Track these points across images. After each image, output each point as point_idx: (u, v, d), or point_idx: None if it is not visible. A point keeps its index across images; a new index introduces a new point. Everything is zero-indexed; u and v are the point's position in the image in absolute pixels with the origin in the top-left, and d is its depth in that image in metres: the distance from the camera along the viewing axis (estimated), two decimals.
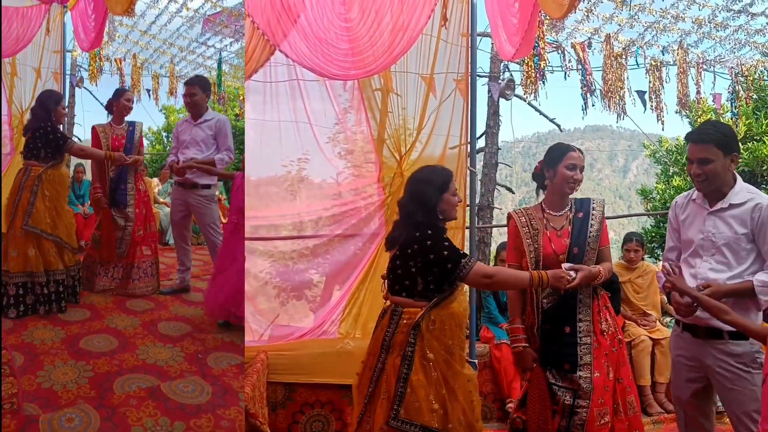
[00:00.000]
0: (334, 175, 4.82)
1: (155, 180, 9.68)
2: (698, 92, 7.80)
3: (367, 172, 4.75)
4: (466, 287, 3.12)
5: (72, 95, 10.14)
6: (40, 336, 4.12)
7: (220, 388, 3.56)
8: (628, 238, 5.47)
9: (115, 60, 9.56)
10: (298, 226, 4.80)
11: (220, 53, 9.45)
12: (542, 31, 6.36)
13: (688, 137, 2.91)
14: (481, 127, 9.58)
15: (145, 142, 15.20)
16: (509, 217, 3.34)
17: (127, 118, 5.37)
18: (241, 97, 11.78)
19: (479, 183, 9.14)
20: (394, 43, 4.19)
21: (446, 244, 2.80)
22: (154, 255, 5.41)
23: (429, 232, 2.80)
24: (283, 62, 4.40)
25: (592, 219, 3.15)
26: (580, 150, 3.20)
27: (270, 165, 4.80)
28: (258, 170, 4.87)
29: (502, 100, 8.43)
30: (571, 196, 3.24)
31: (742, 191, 2.81)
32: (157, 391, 3.44)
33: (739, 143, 2.99)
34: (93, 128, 5.28)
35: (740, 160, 7.88)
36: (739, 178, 2.87)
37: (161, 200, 9.03)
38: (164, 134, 14.82)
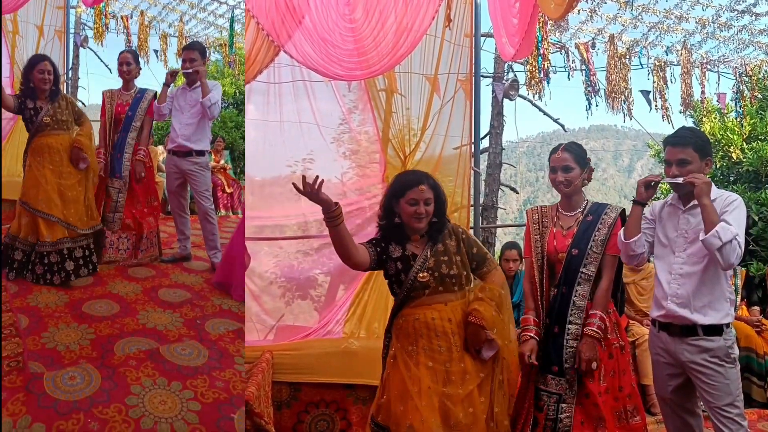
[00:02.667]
0: (338, 174, 4.84)
1: (160, 148, 9.32)
2: (702, 92, 7.80)
3: (372, 172, 4.76)
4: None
5: (76, 56, 9.62)
6: (44, 300, 4.18)
7: (216, 351, 3.65)
8: None
9: (122, 17, 9.12)
10: (303, 226, 4.81)
11: (233, 11, 8.90)
12: (546, 32, 6.37)
13: (667, 141, 3.04)
14: (485, 127, 9.57)
15: None
16: (527, 213, 3.42)
17: (142, 85, 5.23)
18: None
19: (483, 183, 9.14)
20: (398, 43, 4.21)
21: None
22: (157, 224, 5.34)
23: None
24: (287, 63, 4.42)
25: (601, 224, 3.13)
26: (569, 147, 3.20)
27: (274, 165, 4.82)
28: (262, 170, 4.89)
29: (506, 101, 8.44)
30: (590, 199, 3.27)
31: (713, 191, 2.92)
32: (156, 353, 3.54)
33: (711, 149, 3.09)
34: (103, 93, 5.17)
35: (745, 160, 7.87)
36: (712, 182, 3.01)
37: (165, 168, 8.84)
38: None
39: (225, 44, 9.68)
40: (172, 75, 5.16)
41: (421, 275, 2.80)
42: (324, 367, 4.11)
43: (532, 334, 3.11)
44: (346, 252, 2.75)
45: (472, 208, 4.67)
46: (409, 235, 2.90)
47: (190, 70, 5.01)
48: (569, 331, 3.02)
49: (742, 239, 2.80)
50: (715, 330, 2.87)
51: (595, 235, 3.10)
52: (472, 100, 4.58)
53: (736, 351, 2.92)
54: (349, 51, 4.19)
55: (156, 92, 5.20)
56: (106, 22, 8.86)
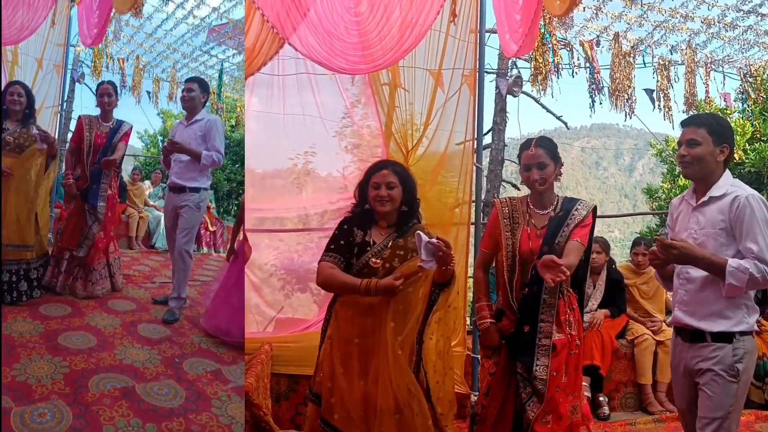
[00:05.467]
0: (340, 168, 4.84)
1: (147, 183, 9.69)
2: (707, 92, 7.79)
3: None
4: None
5: (72, 90, 10.14)
6: (18, 329, 4.09)
7: (193, 393, 3.56)
8: (637, 241, 5.40)
9: (119, 59, 9.59)
10: (304, 219, 4.82)
11: (222, 64, 9.51)
12: (553, 28, 6.36)
13: (683, 122, 2.85)
14: (488, 123, 9.58)
15: (140, 145, 14.90)
16: (493, 204, 3.27)
17: (121, 117, 5.22)
18: (239, 109, 11.73)
19: (485, 179, 9.14)
20: (403, 38, 4.20)
21: (334, 232, 2.93)
22: (110, 256, 5.27)
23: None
24: (291, 56, 4.42)
25: (570, 219, 3.01)
26: (542, 143, 3.05)
27: (276, 158, 4.83)
28: (264, 163, 4.90)
29: (509, 97, 8.43)
30: (559, 194, 3.14)
31: (726, 185, 2.71)
32: (132, 391, 3.45)
33: (734, 139, 2.87)
34: (79, 117, 5.13)
35: (747, 161, 7.86)
36: (727, 174, 2.77)
37: (151, 203, 9.07)
38: (160, 138, 14.70)
39: (214, 92, 10.11)
40: (172, 144, 4.74)
41: (373, 261, 2.82)
42: None
43: (490, 320, 3.09)
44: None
45: (474, 204, 4.67)
46: (377, 221, 2.93)
47: (187, 100, 4.82)
48: (541, 329, 2.94)
49: (764, 245, 2.55)
50: (725, 337, 2.63)
51: (563, 231, 2.99)
52: (476, 96, 4.58)
53: (744, 366, 2.63)
54: (353, 44, 4.19)
55: (131, 126, 5.19)
56: (107, 62, 9.29)
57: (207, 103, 5.04)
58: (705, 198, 2.73)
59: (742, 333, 2.64)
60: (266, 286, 4.74)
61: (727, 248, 2.64)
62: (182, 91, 5.00)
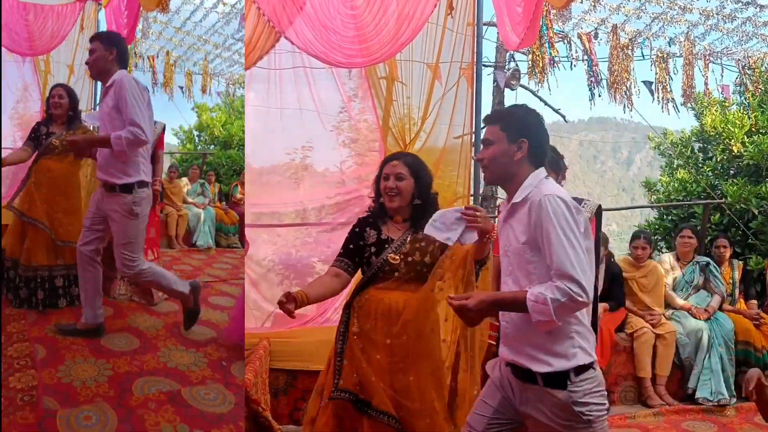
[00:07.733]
0: (337, 163, 4.83)
1: (184, 179, 9.54)
2: (705, 84, 7.77)
3: (371, 161, 4.75)
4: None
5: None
6: None
7: (243, 399, 3.38)
8: (636, 235, 5.39)
9: (149, 57, 9.43)
10: (302, 214, 4.81)
11: None
12: (550, 20, 6.34)
13: (483, 120, 2.44)
14: None
15: (176, 141, 14.71)
16: (500, 207, 3.17)
17: (157, 118, 4.98)
18: None
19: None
20: (399, 31, 4.18)
21: (346, 236, 2.86)
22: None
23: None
24: (288, 49, 4.40)
25: None
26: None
27: (273, 153, 4.81)
28: (261, 158, 4.88)
29: (507, 90, 8.42)
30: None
31: (528, 187, 2.18)
32: (178, 395, 3.30)
33: (541, 130, 2.28)
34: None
35: (745, 153, 7.83)
36: (534, 174, 2.21)
37: (190, 200, 8.93)
38: (196, 133, 14.38)
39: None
40: (71, 143, 3.95)
41: (392, 257, 2.72)
42: (321, 355, 4.05)
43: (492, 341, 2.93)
44: (331, 295, 2.87)
45: (471, 197, 4.66)
46: (392, 216, 2.83)
47: (90, 65, 3.73)
48: None
49: (564, 256, 2.01)
50: (558, 380, 2.09)
51: None
52: (474, 89, 4.56)
53: (594, 408, 2.07)
54: (350, 38, 4.17)
55: (164, 125, 4.91)
56: (137, 62, 9.09)
57: (121, 61, 3.74)
58: (508, 207, 2.26)
59: (578, 371, 2.08)
60: (264, 281, 4.72)
61: (535, 266, 2.13)
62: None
